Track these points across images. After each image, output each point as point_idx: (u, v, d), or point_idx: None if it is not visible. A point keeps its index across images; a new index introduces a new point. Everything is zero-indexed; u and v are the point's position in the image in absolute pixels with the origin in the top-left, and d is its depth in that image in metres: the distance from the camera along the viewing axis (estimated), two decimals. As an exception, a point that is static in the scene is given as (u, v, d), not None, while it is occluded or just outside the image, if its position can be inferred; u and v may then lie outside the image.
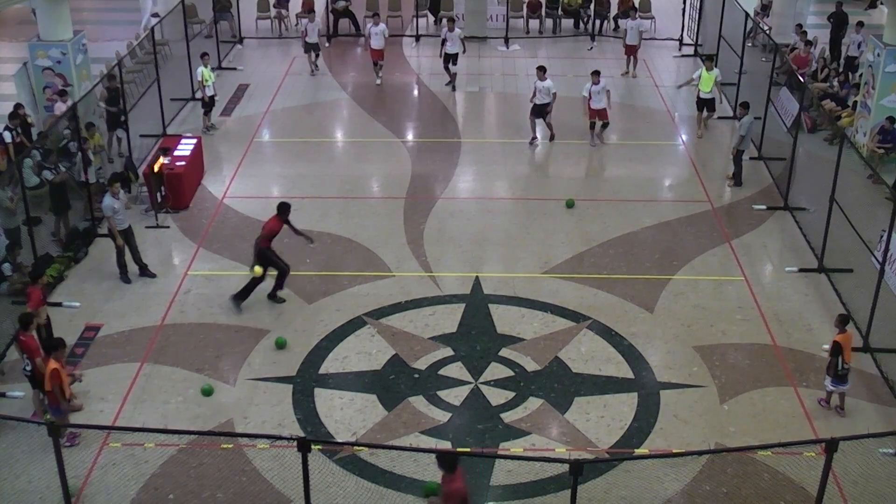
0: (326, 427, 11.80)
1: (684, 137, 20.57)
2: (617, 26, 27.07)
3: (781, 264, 15.59)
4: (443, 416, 12.01)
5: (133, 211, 16.46)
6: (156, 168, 16.50)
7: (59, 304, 14.09)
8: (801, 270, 15.30)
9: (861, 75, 20.64)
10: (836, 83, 22.17)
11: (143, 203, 17.07)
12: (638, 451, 11.43)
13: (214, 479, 10.87)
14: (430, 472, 9.34)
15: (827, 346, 12.38)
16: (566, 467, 8.63)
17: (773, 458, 11.09)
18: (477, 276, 15.02)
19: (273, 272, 14.25)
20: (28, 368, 11.47)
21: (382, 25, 22.93)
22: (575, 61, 25.08)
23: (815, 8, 28.48)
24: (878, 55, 18.83)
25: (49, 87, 19.32)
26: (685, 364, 13.05)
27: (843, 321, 12.05)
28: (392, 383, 12.62)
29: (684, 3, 26.70)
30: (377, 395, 12.40)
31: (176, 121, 20.87)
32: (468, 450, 11.43)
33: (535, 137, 20.01)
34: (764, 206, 17.32)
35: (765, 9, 26.98)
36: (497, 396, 12.38)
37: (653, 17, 27.34)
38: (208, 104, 20.37)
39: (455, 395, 12.38)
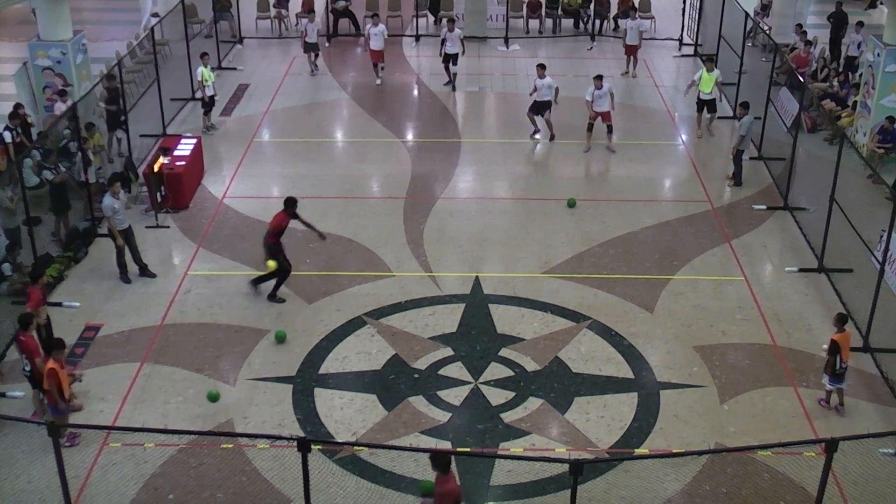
0: (326, 427, 11.80)
1: (684, 137, 20.57)
2: (617, 26, 27.07)
3: (781, 264, 15.59)
4: (443, 416, 12.01)
5: (133, 211, 16.46)
6: (156, 168, 16.51)
7: (59, 304, 14.09)
8: (801, 270, 15.30)
9: (861, 75, 20.64)
10: (836, 83, 22.17)
11: (143, 203, 17.07)
12: (638, 451, 11.44)
13: (214, 479, 10.87)
14: (431, 471, 9.34)
15: (826, 346, 12.37)
16: (566, 467, 8.64)
17: (773, 458, 11.09)
18: (477, 276, 15.02)
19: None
20: (27, 369, 11.47)
21: (382, 26, 22.91)
22: (575, 61, 25.08)
23: (815, 8, 28.48)
24: (878, 55, 18.83)
25: (49, 87, 19.33)
26: (685, 364, 13.05)
27: (841, 320, 12.06)
28: (392, 383, 12.62)
29: (684, 3, 26.70)
30: (377, 395, 12.40)
31: (176, 121, 20.87)
32: (468, 450, 11.43)
33: (536, 130, 20.04)
34: (764, 206, 17.32)
35: (765, 9, 26.98)
36: (497, 396, 12.38)
37: (653, 17, 27.34)
38: (208, 104, 20.37)
39: (455, 395, 12.39)
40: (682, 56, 25.76)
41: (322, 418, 11.95)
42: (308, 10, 26.47)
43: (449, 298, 14.46)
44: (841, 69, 23.06)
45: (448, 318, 13.96)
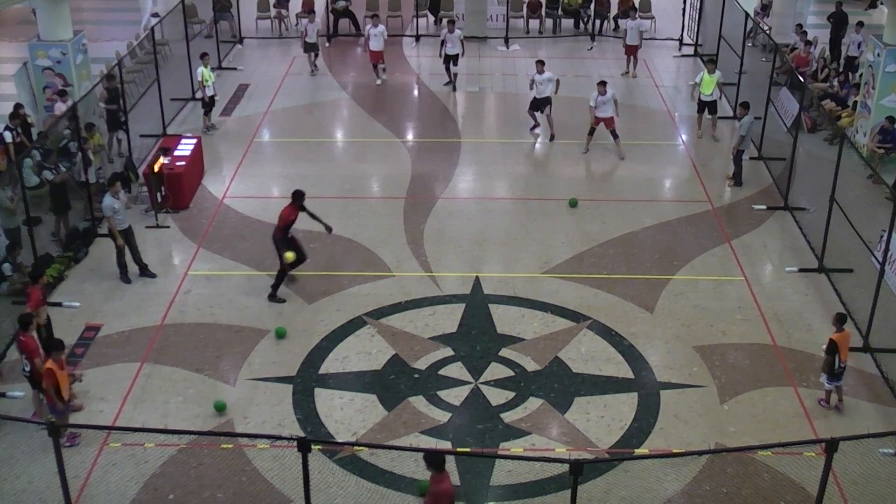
0: (326, 427, 11.80)
1: (684, 137, 20.57)
2: (617, 26, 27.08)
3: (781, 264, 15.59)
4: (443, 416, 12.00)
5: (133, 211, 16.46)
6: (156, 168, 16.51)
7: (59, 304, 14.09)
8: (801, 270, 15.30)
9: (861, 75, 20.65)
10: (836, 83, 22.17)
11: (143, 203, 17.07)
12: (638, 451, 11.43)
13: (214, 479, 10.87)
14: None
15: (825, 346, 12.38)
16: (566, 467, 8.64)
17: (773, 458, 11.09)
18: (477, 276, 15.02)
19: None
20: (27, 369, 11.46)
21: (381, 27, 22.90)
22: (575, 61, 25.09)
23: (815, 8, 28.48)
24: (878, 55, 18.83)
25: (49, 87, 19.33)
26: (685, 364, 13.05)
27: (840, 320, 12.06)
28: (392, 383, 12.62)
29: (684, 3, 26.69)
30: (377, 395, 12.40)
31: (176, 121, 20.87)
32: (468, 450, 11.43)
33: (536, 124, 20.04)
34: (764, 206, 17.32)
35: (765, 9, 26.99)
36: (497, 396, 12.38)
37: (653, 17, 27.34)
38: (208, 104, 20.37)
39: (455, 395, 12.38)
40: (683, 56, 25.75)
41: (322, 418, 11.95)
42: (308, 10, 26.45)
43: (449, 298, 14.46)
44: (841, 69, 23.07)
45: (448, 318, 13.95)
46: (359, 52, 25.95)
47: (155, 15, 25.94)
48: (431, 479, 9.21)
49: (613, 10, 27.41)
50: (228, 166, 18.92)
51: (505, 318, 13.98)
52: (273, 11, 27.09)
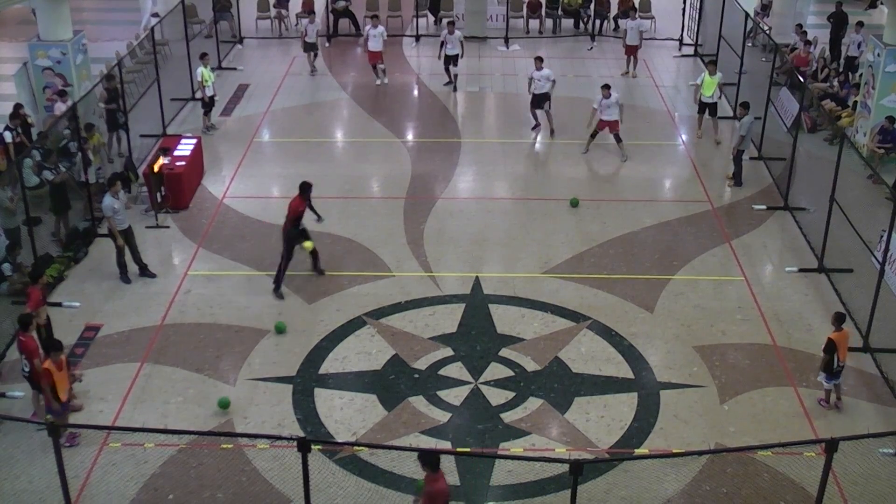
0: (326, 427, 11.80)
1: (684, 137, 20.57)
2: (617, 26, 27.08)
3: (781, 264, 15.59)
4: (443, 416, 12.00)
5: (133, 211, 16.47)
6: (156, 168, 16.51)
7: (59, 304, 14.09)
8: (801, 270, 15.29)
9: (861, 75, 20.65)
10: (836, 83, 22.17)
11: (143, 203, 17.06)
12: (638, 451, 11.43)
13: (214, 479, 10.87)
14: (430, 472, 9.36)
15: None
16: (566, 467, 8.63)
17: (773, 458, 11.09)
18: (477, 276, 15.02)
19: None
20: (27, 369, 11.46)
21: (381, 27, 22.88)
22: (575, 61, 25.09)
23: (815, 8, 28.48)
24: (878, 55, 18.83)
25: (49, 87, 19.33)
26: (685, 364, 13.05)
27: (839, 319, 12.06)
28: (392, 383, 12.62)
29: (684, 3, 26.69)
30: (377, 395, 12.40)
31: (176, 121, 20.87)
32: (468, 450, 11.43)
33: (537, 124, 20.02)
34: (764, 206, 17.32)
35: (765, 9, 26.98)
36: (497, 396, 12.37)
37: (653, 17, 27.34)
38: (208, 104, 20.37)
39: (455, 395, 12.38)
40: (683, 56, 25.75)
41: (322, 418, 11.95)
42: (308, 10, 26.45)
43: (449, 298, 14.45)
44: (841, 69, 23.06)
45: (448, 318, 13.95)
46: (359, 53, 25.93)
47: (155, 15, 25.95)
48: (426, 479, 9.20)
49: (613, 10, 27.41)
50: (228, 166, 18.92)
51: (505, 318, 13.98)
52: (273, 11, 27.10)
